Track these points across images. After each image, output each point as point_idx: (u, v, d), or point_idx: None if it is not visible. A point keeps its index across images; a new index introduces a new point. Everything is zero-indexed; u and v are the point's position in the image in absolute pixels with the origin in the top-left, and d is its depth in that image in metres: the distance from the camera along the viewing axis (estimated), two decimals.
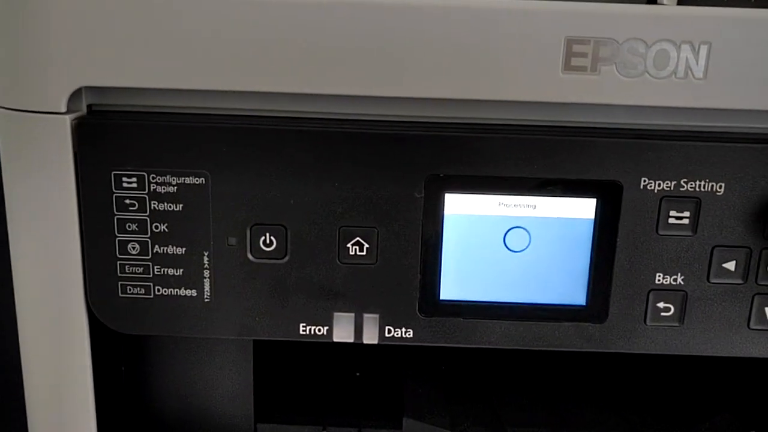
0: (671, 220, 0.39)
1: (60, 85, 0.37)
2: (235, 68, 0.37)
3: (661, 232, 0.39)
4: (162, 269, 0.40)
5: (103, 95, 0.39)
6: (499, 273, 0.40)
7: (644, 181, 0.38)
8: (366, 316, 0.40)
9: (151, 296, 0.40)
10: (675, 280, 0.40)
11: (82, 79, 0.37)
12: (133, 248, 0.40)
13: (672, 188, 0.39)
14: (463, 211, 0.39)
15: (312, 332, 0.41)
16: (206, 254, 0.40)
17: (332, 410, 0.49)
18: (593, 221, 0.40)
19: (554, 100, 0.37)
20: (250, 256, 0.40)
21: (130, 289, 0.40)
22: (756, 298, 0.40)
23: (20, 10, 0.37)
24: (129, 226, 0.39)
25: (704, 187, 0.39)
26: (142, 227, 0.39)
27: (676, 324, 0.40)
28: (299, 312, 0.40)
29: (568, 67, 0.36)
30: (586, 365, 0.55)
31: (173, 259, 0.40)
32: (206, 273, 0.40)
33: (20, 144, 0.38)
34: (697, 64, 0.36)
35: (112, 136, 0.38)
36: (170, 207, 0.39)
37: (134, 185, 0.39)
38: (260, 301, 0.40)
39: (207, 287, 0.40)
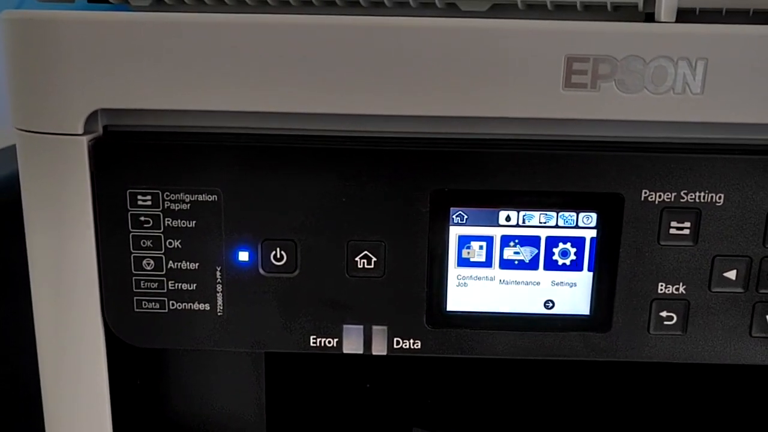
0: (672, 231, 0.40)
1: (77, 108, 0.38)
2: (247, 89, 0.38)
3: (662, 243, 0.40)
4: (176, 284, 0.41)
5: (119, 116, 0.40)
6: (504, 285, 0.41)
7: (645, 193, 0.39)
8: (375, 328, 0.41)
9: (166, 311, 0.41)
10: (677, 289, 0.40)
11: (97, 101, 0.38)
12: (148, 264, 0.41)
13: (672, 200, 0.39)
14: (468, 224, 0.40)
15: (322, 344, 0.42)
16: (219, 269, 0.41)
17: (343, 421, 0.50)
18: (596, 232, 0.40)
19: (555, 116, 0.38)
20: (261, 271, 0.41)
21: (145, 304, 0.41)
22: (757, 306, 0.41)
23: (37, 36, 0.38)
24: (144, 243, 0.40)
25: (704, 198, 0.39)
26: (156, 244, 0.40)
27: (679, 332, 0.41)
28: (309, 324, 0.41)
29: (568, 84, 0.37)
30: (594, 375, 0.56)
31: (187, 274, 0.41)
32: (219, 287, 0.41)
33: (39, 165, 0.40)
34: (695, 79, 0.37)
35: (127, 156, 0.39)
36: (183, 224, 0.40)
37: (149, 203, 0.40)
38: (271, 314, 0.41)
39: (220, 301, 0.41)
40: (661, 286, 0.40)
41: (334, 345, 0.42)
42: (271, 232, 0.40)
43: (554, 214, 0.40)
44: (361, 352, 0.41)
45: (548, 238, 0.41)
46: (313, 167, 0.39)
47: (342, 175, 0.39)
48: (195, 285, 0.41)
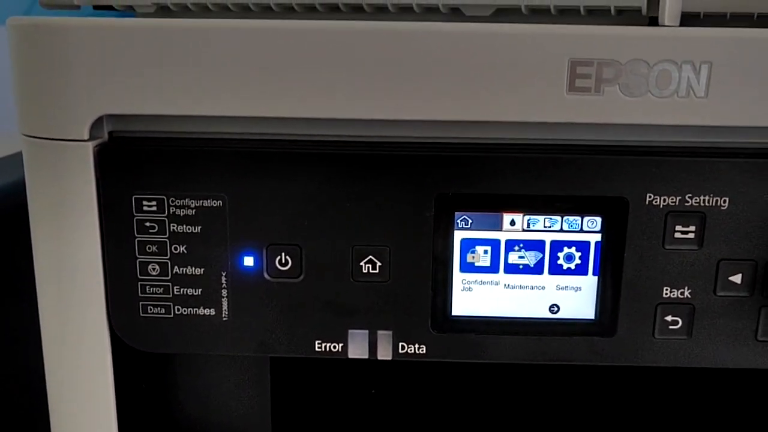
0: (677, 235, 0.40)
1: (82, 114, 0.39)
2: (251, 94, 0.38)
3: (667, 247, 0.40)
4: (181, 289, 0.41)
5: (124, 122, 0.40)
6: (508, 289, 0.41)
7: (649, 196, 0.39)
8: (380, 332, 0.41)
9: (171, 315, 0.41)
10: (682, 293, 0.40)
11: (103, 107, 0.39)
12: (154, 269, 0.41)
13: (677, 203, 0.39)
14: (472, 228, 0.40)
15: (327, 349, 0.42)
16: (224, 274, 0.41)
17: (348, 427, 0.50)
18: (600, 237, 0.40)
19: (559, 120, 0.38)
20: (266, 276, 0.41)
21: (150, 309, 0.41)
22: (763, 310, 0.40)
23: (43, 42, 0.38)
24: (149, 248, 0.41)
25: (709, 202, 0.39)
26: (161, 249, 0.41)
27: (684, 337, 0.41)
28: (314, 329, 0.41)
29: (572, 88, 0.37)
30: (600, 379, 0.56)
31: (192, 279, 0.41)
32: (224, 292, 0.41)
33: (45, 170, 0.40)
34: (699, 83, 0.37)
35: (133, 161, 0.40)
36: (189, 229, 0.40)
37: (154, 208, 0.40)
38: (276, 319, 0.41)
39: (225, 306, 0.41)
40: (666, 290, 0.40)
41: (340, 350, 0.42)
42: (276, 237, 0.40)
43: (559, 218, 0.40)
44: (366, 357, 0.41)
45: (553, 243, 0.41)
46: (318, 172, 0.39)
47: (346, 180, 0.39)
48: (200, 290, 0.41)
